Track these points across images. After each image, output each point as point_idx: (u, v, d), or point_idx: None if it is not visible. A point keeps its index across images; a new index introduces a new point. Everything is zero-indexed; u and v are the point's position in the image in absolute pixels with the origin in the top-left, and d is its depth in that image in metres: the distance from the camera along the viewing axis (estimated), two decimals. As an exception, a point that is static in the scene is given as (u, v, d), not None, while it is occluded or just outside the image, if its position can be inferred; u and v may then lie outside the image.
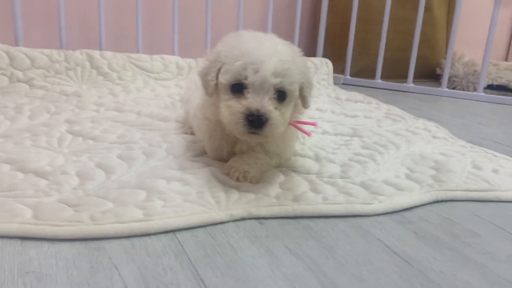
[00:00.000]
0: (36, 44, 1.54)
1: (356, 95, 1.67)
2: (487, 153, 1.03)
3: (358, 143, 1.04)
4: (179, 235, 0.61)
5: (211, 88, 0.77)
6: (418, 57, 1.95)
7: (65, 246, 0.57)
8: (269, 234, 0.63)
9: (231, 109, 0.72)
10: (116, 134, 0.97)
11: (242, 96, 0.72)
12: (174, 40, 1.76)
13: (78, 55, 1.51)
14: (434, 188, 0.79)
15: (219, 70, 0.76)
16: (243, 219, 0.67)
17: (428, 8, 2.05)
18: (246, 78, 0.71)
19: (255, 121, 0.70)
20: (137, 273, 0.52)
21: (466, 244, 0.64)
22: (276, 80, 0.71)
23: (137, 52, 1.70)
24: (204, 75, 0.78)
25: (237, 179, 0.76)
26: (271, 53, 0.72)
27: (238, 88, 0.73)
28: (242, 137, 0.76)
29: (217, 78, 0.76)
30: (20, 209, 0.62)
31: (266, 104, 0.71)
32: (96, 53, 1.54)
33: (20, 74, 1.37)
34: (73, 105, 1.20)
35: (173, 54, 1.76)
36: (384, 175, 0.85)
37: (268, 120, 0.70)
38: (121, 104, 1.23)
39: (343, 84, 1.98)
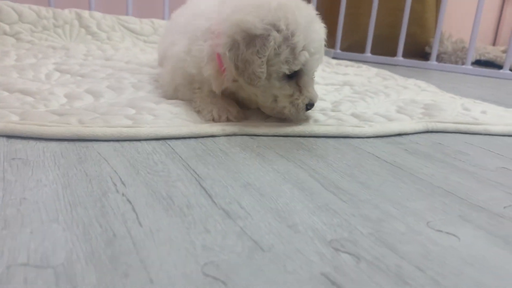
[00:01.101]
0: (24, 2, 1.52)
1: (346, 62, 1.67)
2: (475, 102, 1.04)
3: (349, 90, 1.04)
4: (170, 142, 0.60)
5: (259, 80, 0.63)
6: (407, 35, 1.96)
7: (53, 143, 0.56)
8: (260, 145, 0.63)
9: (295, 102, 0.67)
10: (105, 74, 0.96)
11: (293, 81, 0.67)
12: (165, 4, 1.74)
13: (67, 13, 1.48)
14: (425, 120, 0.79)
15: (273, 57, 0.63)
16: (234, 134, 0.66)
17: (418, -15, 2.07)
18: (306, 63, 0.66)
19: (308, 107, 0.69)
20: (126, 163, 0.51)
21: (457, 159, 0.64)
22: None
23: (126, 14, 1.68)
24: (244, 63, 0.62)
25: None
26: (321, 33, 0.67)
27: (293, 73, 0.66)
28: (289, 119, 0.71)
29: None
30: (5, 114, 0.61)
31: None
32: (85, 13, 1.52)
33: (6, 27, 1.34)
34: (61, 55, 1.18)
35: (163, 19, 1.74)
36: (375, 110, 0.85)
37: None
38: (109, 55, 1.21)
39: (333, 58, 1.98)
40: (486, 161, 0.64)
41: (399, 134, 0.74)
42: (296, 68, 0.65)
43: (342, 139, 0.69)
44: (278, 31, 0.62)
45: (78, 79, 0.89)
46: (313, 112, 0.79)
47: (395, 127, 0.73)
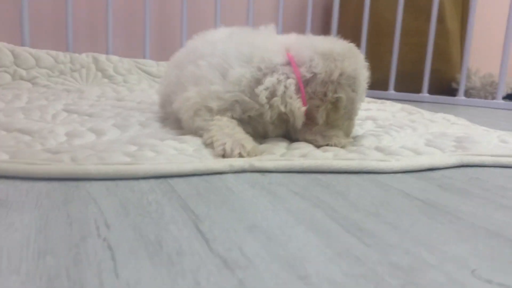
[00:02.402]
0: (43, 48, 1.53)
1: (368, 99, 1.61)
2: (513, 135, 0.95)
3: (372, 124, 0.97)
4: (170, 180, 0.54)
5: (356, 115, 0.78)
6: (432, 71, 1.90)
7: (40, 183, 0.50)
8: (272, 182, 0.56)
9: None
10: (114, 113, 0.92)
11: None
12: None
13: (84, 57, 1.49)
14: (458, 152, 0.71)
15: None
16: (244, 171, 0.60)
17: (441, 20, 2.02)
18: None
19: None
20: (117, 204, 0.45)
21: (499, 196, 0.55)
22: None
23: (144, 58, 1.68)
24: (352, 102, 0.73)
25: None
26: None
27: None
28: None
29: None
30: (-4, 153, 0.56)
31: None
32: (102, 57, 1.52)
33: (23, 72, 1.34)
34: (74, 97, 1.16)
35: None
36: (401, 143, 0.77)
37: None
38: (122, 96, 1.19)
39: (355, 96, 1.92)
40: (534, 197, 0.55)
41: (430, 169, 0.66)
42: (363, 101, 0.80)
43: (365, 175, 0.62)
44: (362, 74, 0.74)
45: (85, 118, 0.85)
46: (335, 148, 0.72)
47: (425, 161, 0.65)
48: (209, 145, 0.66)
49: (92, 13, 1.74)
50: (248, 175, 0.58)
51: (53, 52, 1.43)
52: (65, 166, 0.52)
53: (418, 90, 1.90)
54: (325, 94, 0.70)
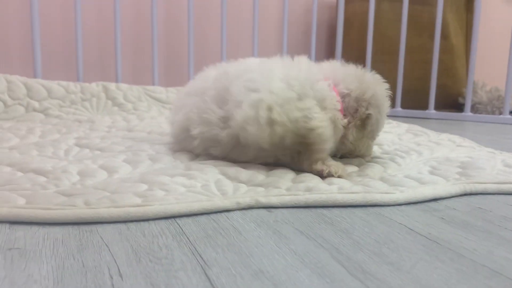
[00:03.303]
0: (54, 79, 1.57)
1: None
2: (518, 157, 0.96)
3: (377, 149, 0.98)
4: (179, 220, 0.56)
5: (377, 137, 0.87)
6: (438, 87, 1.91)
7: (56, 228, 0.53)
8: (278, 219, 0.57)
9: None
10: (124, 146, 0.95)
11: None
12: (190, 72, 1.77)
13: (94, 86, 1.52)
14: (461, 181, 0.73)
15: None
16: (250, 207, 0.61)
17: (445, 36, 2.04)
18: None
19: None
20: (128, 250, 0.47)
21: (502, 228, 0.56)
22: None
23: (153, 85, 1.72)
24: (377, 124, 0.82)
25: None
26: None
27: None
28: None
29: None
30: (13, 198, 0.59)
31: None
32: (112, 85, 1.55)
33: (36, 104, 1.38)
34: (85, 128, 1.19)
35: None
36: (406, 172, 0.79)
37: None
38: (133, 125, 1.22)
39: (362, 114, 1.94)
40: (537, 228, 0.56)
41: (434, 199, 0.67)
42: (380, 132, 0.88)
43: (370, 208, 0.63)
44: (386, 102, 0.84)
45: (97, 154, 0.88)
46: (340, 180, 0.73)
47: (428, 192, 0.67)
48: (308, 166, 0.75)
49: (101, 42, 1.79)
50: (254, 212, 0.60)
51: (64, 83, 1.48)
52: (78, 210, 0.54)
53: (424, 107, 1.91)
54: (356, 111, 0.79)
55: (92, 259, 0.45)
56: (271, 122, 0.70)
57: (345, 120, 0.79)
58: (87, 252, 0.46)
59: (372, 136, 0.83)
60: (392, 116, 1.87)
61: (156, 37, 1.74)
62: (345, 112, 0.80)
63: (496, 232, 0.55)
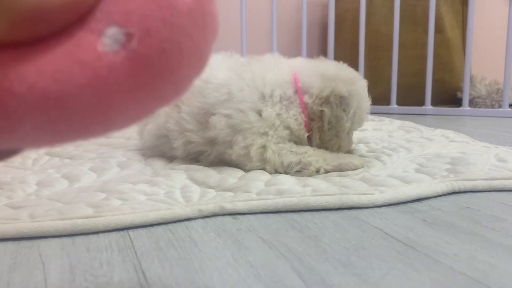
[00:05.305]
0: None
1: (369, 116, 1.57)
2: (514, 150, 0.90)
3: (363, 148, 0.93)
4: (132, 232, 0.51)
5: (344, 133, 0.80)
6: (436, 82, 1.85)
7: (-7, 245, 0.48)
8: (242, 227, 0.52)
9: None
10: (97, 153, 0.90)
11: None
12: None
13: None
14: (449, 178, 0.67)
15: (352, 117, 0.80)
16: (214, 215, 0.56)
17: (440, 30, 1.98)
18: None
19: None
20: (66, 267, 0.42)
21: (489, 228, 0.51)
22: None
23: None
24: (336, 118, 0.77)
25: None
26: None
27: None
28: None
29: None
30: (-46, 213, 0.54)
31: None
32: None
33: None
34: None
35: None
36: (390, 171, 0.73)
37: None
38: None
39: (357, 112, 1.88)
40: (528, 228, 0.51)
41: (418, 199, 0.62)
42: (360, 127, 0.87)
43: (346, 211, 0.58)
44: (357, 96, 0.79)
45: (66, 162, 0.83)
46: (315, 179, 0.68)
47: (411, 192, 0.61)
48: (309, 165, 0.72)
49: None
50: (218, 220, 0.55)
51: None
52: (20, 224, 0.50)
53: (422, 103, 1.85)
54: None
55: (21, 279, 0.40)
56: (264, 160, 0.73)
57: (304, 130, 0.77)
58: (18, 272, 0.41)
59: (337, 134, 0.78)
60: (387, 114, 1.81)
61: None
62: (310, 115, 0.77)
63: (481, 233, 0.49)
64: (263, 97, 0.75)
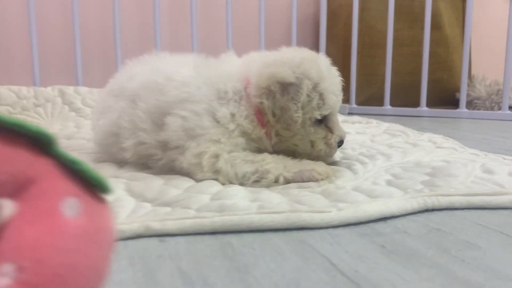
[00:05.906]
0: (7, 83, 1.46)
1: (356, 118, 1.48)
2: (504, 159, 0.81)
3: (337, 155, 0.84)
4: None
5: (295, 125, 0.69)
6: (433, 81, 1.76)
7: None
8: (165, 253, 0.44)
9: (329, 142, 0.73)
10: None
11: (322, 124, 0.73)
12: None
13: (50, 91, 1.41)
14: (423, 193, 0.58)
15: (306, 104, 0.69)
16: (138, 236, 0.48)
17: (438, 27, 1.89)
18: (333, 106, 0.72)
19: (340, 144, 0.76)
20: None
21: (458, 260, 0.42)
22: None
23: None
24: (281, 109, 0.68)
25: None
26: (338, 75, 0.75)
27: (322, 117, 0.72)
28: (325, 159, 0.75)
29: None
30: None
31: None
32: (69, 89, 1.44)
33: (-19, 111, 1.27)
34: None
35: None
36: (359, 182, 0.65)
37: None
38: (72, 133, 1.09)
39: (349, 114, 1.79)
40: (504, 259, 0.42)
41: (384, 218, 0.53)
42: (326, 112, 0.71)
43: (295, 233, 0.49)
44: (309, 79, 0.68)
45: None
46: (271, 191, 0.60)
47: (374, 210, 0.53)
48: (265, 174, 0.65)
49: (102, 42, 1.68)
50: (141, 242, 0.47)
51: (15, 88, 1.36)
52: None
53: (417, 104, 1.76)
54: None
55: None
56: (217, 171, 0.65)
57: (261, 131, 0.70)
58: None
59: (287, 127, 0.69)
60: (379, 115, 1.72)
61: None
62: (259, 109, 0.69)
63: (447, 266, 0.41)
64: (218, 94, 0.69)
